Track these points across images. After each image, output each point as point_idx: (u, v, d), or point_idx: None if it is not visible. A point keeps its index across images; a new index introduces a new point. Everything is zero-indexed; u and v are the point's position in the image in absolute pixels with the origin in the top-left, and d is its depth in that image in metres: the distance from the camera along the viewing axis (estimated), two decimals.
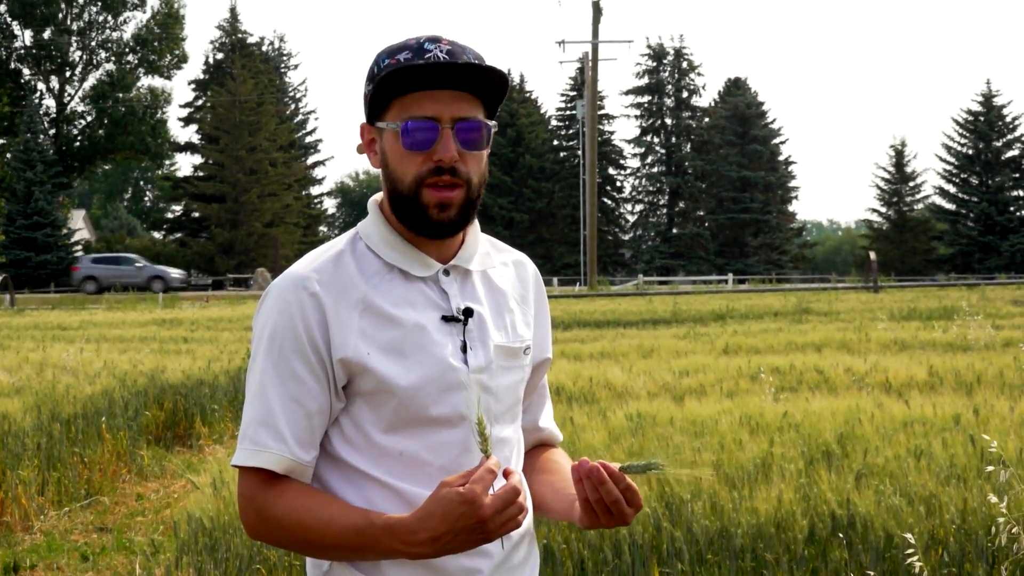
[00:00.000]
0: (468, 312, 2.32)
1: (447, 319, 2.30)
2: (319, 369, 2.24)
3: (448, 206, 2.26)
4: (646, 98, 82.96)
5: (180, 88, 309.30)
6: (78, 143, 79.86)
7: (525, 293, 2.51)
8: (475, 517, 2.03)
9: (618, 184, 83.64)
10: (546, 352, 2.57)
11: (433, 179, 2.25)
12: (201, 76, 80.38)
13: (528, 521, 2.40)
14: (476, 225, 2.42)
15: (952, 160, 74.28)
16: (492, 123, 2.32)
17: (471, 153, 2.28)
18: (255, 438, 2.24)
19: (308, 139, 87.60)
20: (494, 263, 2.46)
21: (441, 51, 2.24)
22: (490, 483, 2.05)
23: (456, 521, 2.04)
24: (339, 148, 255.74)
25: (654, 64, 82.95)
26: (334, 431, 2.31)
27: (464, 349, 2.31)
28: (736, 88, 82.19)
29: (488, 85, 2.29)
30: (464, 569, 2.25)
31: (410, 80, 2.24)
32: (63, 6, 78.37)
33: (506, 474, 2.11)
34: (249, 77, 74.99)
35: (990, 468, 5.58)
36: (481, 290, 2.39)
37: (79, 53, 79.73)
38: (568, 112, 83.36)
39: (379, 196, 2.41)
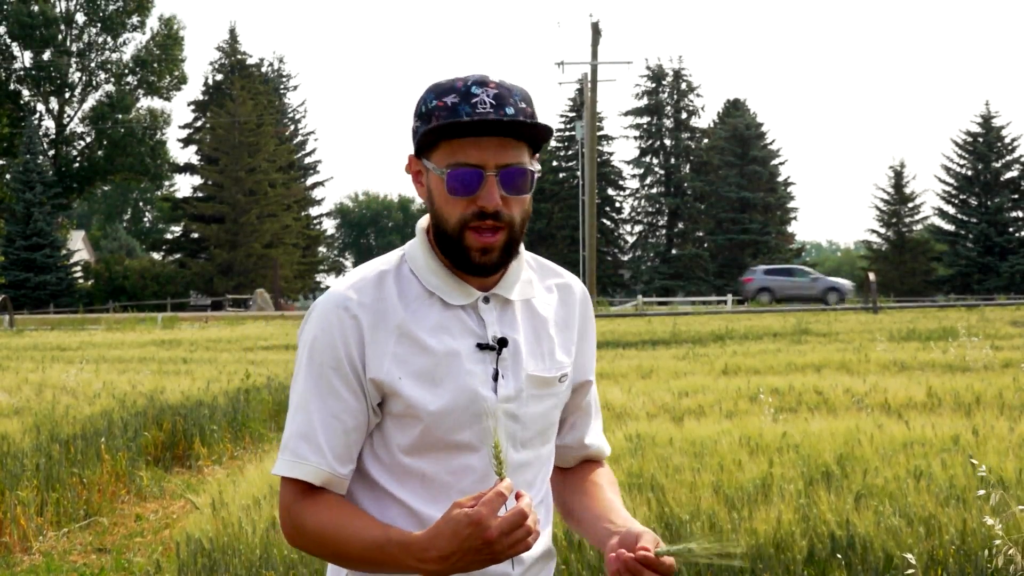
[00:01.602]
0: (503, 342, 2.37)
1: (482, 347, 2.35)
2: (357, 387, 2.32)
3: (490, 250, 2.31)
4: (645, 119, 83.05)
5: (179, 109, 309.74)
6: (77, 164, 79.94)
7: (568, 318, 2.54)
8: (481, 539, 2.07)
9: (617, 205, 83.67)
10: (587, 375, 2.60)
11: (476, 223, 2.29)
12: (200, 97, 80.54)
13: (546, 540, 2.46)
14: (521, 252, 2.46)
15: (951, 181, 74.31)
16: (535, 168, 2.35)
17: (514, 198, 2.32)
18: (296, 450, 2.33)
19: (307, 160, 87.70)
20: (534, 292, 2.48)
21: (488, 95, 2.28)
22: (499, 506, 2.09)
23: (464, 541, 2.09)
24: (338, 169, 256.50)
25: (653, 85, 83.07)
26: (365, 447, 2.39)
27: (496, 378, 2.35)
28: (735, 109, 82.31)
29: (534, 133, 2.32)
30: None
31: (457, 128, 2.27)
32: (63, 27, 78.56)
33: (517, 497, 2.14)
34: (248, 98, 75.13)
35: (980, 493, 5.58)
36: (520, 318, 2.43)
37: (78, 74, 79.89)
38: (567, 133, 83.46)
39: (426, 220, 2.46)
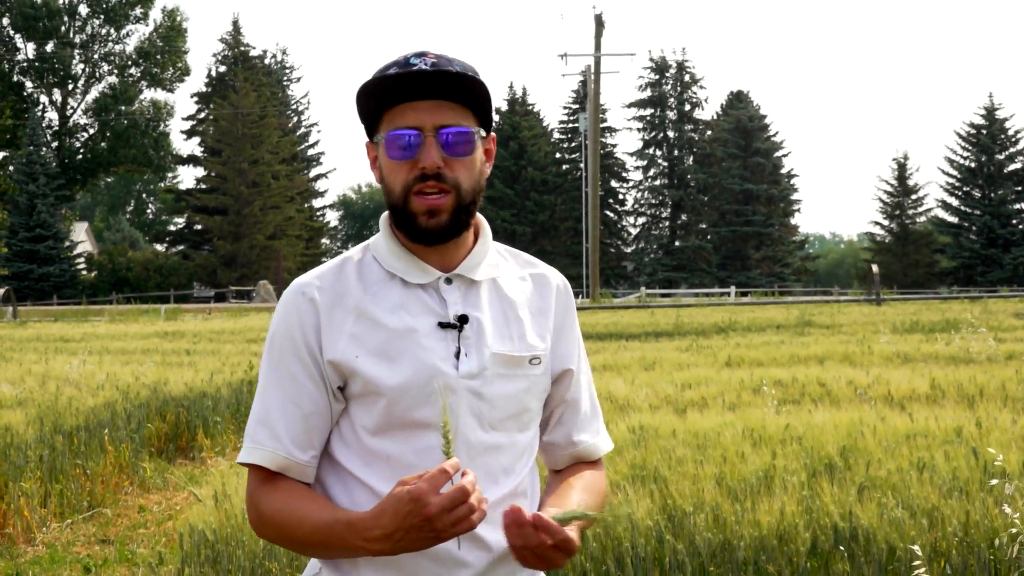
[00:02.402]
0: (464, 319, 2.34)
1: (443, 325, 2.33)
2: (315, 372, 2.31)
3: (437, 212, 2.30)
4: (648, 111, 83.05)
5: (183, 101, 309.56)
6: (81, 156, 79.99)
7: (543, 306, 2.50)
8: (421, 515, 2.04)
9: (620, 197, 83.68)
10: (568, 364, 2.53)
11: (419, 186, 2.29)
12: (204, 89, 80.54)
13: None
14: (487, 236, 2.46)
15: (955, 173, 74.27)
16: (478, 130, 2.35)
17: (457, 159, 2.31)
18: (254, 436, 2.33)
19: (310, 152, 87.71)
20: (501, 272, 2.46)
21: (426, 64, 2.27)
22: (441, 483, 2.05)
23: (404, 519, 2.06)
24: (341, 161, 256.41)
25: (657, 77, 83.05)
26: (334, 432, 2.37)
27: (458, 355, 2.32)
28: (738, 101, 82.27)
29: (473, 94, 2.32)
30: None
31: (394, 94, 2.29)
32: (66, 19, 78.59)
33: (463, 475, 2.10)
34: (252, 90, 75.13)
35: (994, 481, 5.58)
36: (486, 298, 2.41)
37: (82, 66, 79.92)
38: (571, 125, 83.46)
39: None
